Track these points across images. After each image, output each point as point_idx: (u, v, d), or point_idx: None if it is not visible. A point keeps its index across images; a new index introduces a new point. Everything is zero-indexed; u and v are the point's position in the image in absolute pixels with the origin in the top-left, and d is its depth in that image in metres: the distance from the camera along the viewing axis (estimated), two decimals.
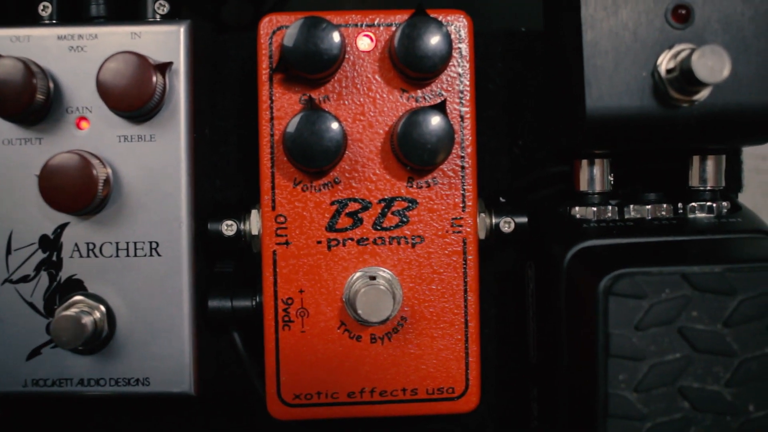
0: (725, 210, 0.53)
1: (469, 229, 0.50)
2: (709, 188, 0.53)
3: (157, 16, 0.53)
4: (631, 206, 0.52)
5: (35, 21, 0.53)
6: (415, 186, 0.49)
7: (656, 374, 0.45)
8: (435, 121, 0.47)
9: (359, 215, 0.49)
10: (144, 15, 0.53)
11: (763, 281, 0.46)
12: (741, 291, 0.45)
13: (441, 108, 0.48)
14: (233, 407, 0.59)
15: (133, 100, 0.47)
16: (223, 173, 0.58)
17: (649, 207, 0.52)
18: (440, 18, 0.49)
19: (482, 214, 0.51)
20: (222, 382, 0.58)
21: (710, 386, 0.46)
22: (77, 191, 0.47)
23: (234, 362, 0.57)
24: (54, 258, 0.50)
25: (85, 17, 0.53)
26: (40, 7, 0.53)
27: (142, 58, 0.47)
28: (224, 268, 0.54)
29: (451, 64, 0.49)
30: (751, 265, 0.46)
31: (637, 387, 0.45)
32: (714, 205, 0.53)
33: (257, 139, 0.53)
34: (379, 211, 0.49)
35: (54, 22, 0.52)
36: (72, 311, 0.47)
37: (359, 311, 0.47)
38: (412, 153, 0.47)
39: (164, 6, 0.53)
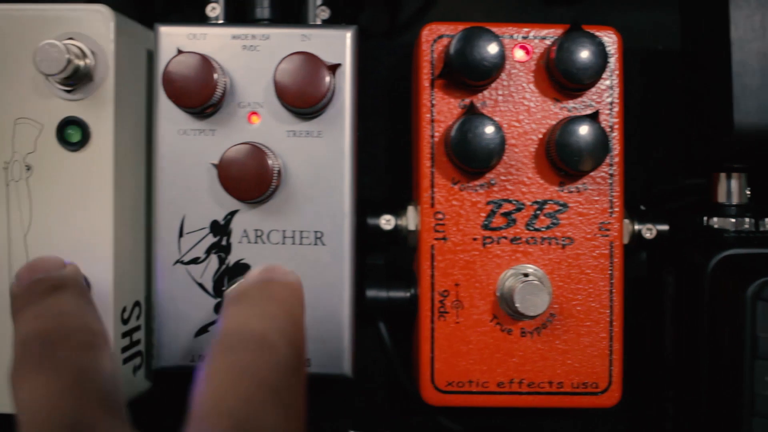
0: None
1: (615, 234, 0.52)
2: None
3: (318, 20, 0.56)
4: (766, 220, 0.55)
5: (202, 20, 0.56)
6: (566, 190, 0.52)
7: None
8: (591, 129, 0.50)
9: (513, 216, 0.52)
10: (305, 19, 0.56)
11: None
12: None
13: (595, 118, 0.50)
14: (381, 391, 0.61)
15: (309, 97, 0.50)
16: (372, 172, 0.61)
17: None
18: (594, 33, 0.52)
19: (626, 220, 0.53)
20: (369, 368, 0.61)
21: None
22: (255, 180, 0.50)
23: (376, 349, 0.60)
24: (224, 243, 0.52)
25: (250, 19, 0.56)
26: (209, 8, 0.56)
27: (317, 59, 0.50)
28: (376, 260, 0.57)
29: (602, 77, 0.52)
30: None
31: None
32: None
33: (406, 140, 0.56)
34: (532, 212, 0.52)
35: (221, 22, 0.55)
36: None
37: (517, 305, 0.49)
38: (569, 159, 0.50)
39: (326, 11, 0.56)
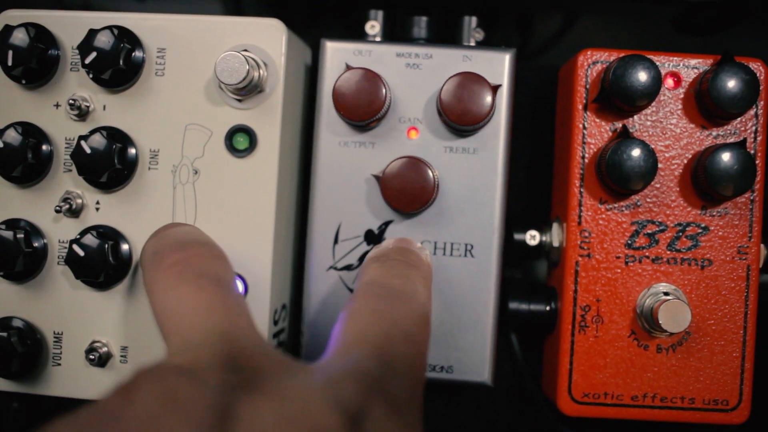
0: None
1: (753, 257, 0.55)
2: None
3: (472, 42, 0.58)
4: None
5: (361, 37, 0.58)
6: (708, 214, 0.54)
7: None
8: (741, 157, 0.52)
9: (656, 236, 0.55)
10: (460, 40, 0.58)
11: None
12: None
13: (743, 146, 0.53)
14: (514, 400, 0.64)
15: (472, 116, 0.52)
16: (514, 188, 0.63)
17: None
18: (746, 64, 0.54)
19: (762, 245, 0.56)
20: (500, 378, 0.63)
21: None
22: (416, 193, 0.53)
23: (509, 360, 0.63)
24: None
25: (407, 38, 0.59)
26: (368, 25, 0.58)
27: (482, 80, 0.53)
28: (514, 274, 0.59)
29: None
30: None
31: None
32: None
33: (548, 158, 0.58)
34: (674, 234, 0.54)
35: (378, 40, 0.58)
36: None
37: (660, 321, 0.52)
38: (717, 184, 0.52)
39: (480, 33, 0.58)
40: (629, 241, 0.55)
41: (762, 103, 0.55)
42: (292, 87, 0.55)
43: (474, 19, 0.58)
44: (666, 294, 0.53)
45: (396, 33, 0.59)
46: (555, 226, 0.56)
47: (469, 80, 0.53)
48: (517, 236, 0.56)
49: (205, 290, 0.41)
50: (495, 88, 0.54)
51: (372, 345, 0.38)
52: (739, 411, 0.55)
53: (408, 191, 0.53)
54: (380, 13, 0.58)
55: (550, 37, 0.68)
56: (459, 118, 0.52)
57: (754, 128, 0.55)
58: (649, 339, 0.55)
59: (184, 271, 0.42)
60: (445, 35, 0.59)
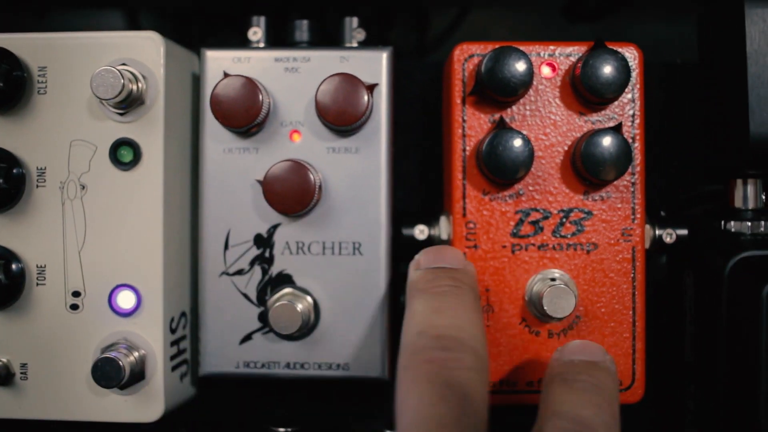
0: None
1: (637, 239, 0.55)
2: None
3: (354, 42, 0.59)
4: None
5: (244, 44, 0.59)
6: (590, 198, 0.55)
7: None
8: (615, 141, 0.53)
9: (540, 223, 0.55)
10: (342, 41, 0.59)
11: None
12: None
13: (618, 130, 0.53)
14: None
15: (348, 116, 0.53)
16: (405, 184, 0.64)
17: None
18: (617, 50, 0.55)
19: (647, 226, 0.56)
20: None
21: None
22: (298, 195, 0.53)
23: None
24: (267, 254, 0.56)
25: (290, 42, 0.59)
26: (251, 32, 0.59)
27: (356, 80, 0.53)
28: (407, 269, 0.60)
29: (624, 91, 0.55)
30: None
31: None
32: None
33: (438, 153, 0.59)
34: (558, 220, 0.55)
35: (262, 45, 0.59)
36: (287, 300, 0.53)
37: (545, 308, 0.52)
38: (594, 169, 0.53)
39: (361, 33, 0.59)
40: (515, 230, 0.55)
41: (638, 87, 0.55)
42: (176, 98, 0.56)
43: (355, 20, 0.59)
44: (553, 280, 0.54)
45: (279, 38, 0.60)
46: (443, 220, 0.57)
47: (343, 81, 0.53)
48: (406, 231, 0.57)
49: (447, 402, 0.38)
50: (371, 87, 0.54)
51: None
52: (633, 390, 0.56)
53: (289, 194, 0.53)
54: (262, 19, 0.59)
55: (442, 33, 0.69)
56: (336, 119, 0.53)
57: (631, 112, 0.55)
58: (540, 325, 0.55)
59: (437, 374, 0.40)
60: (329, 38, 0.60)
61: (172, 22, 0.70)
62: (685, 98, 0.65)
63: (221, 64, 0.56)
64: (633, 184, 0.55)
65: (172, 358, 0.56)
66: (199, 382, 0.60)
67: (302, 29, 0.59)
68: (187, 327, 0.58)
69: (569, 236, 0.55)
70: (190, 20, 0.68)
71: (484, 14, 0.71)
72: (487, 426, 0.38)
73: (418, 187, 0.64)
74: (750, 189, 0.58)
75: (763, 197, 0.58)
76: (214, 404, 0.64)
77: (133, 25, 0.72)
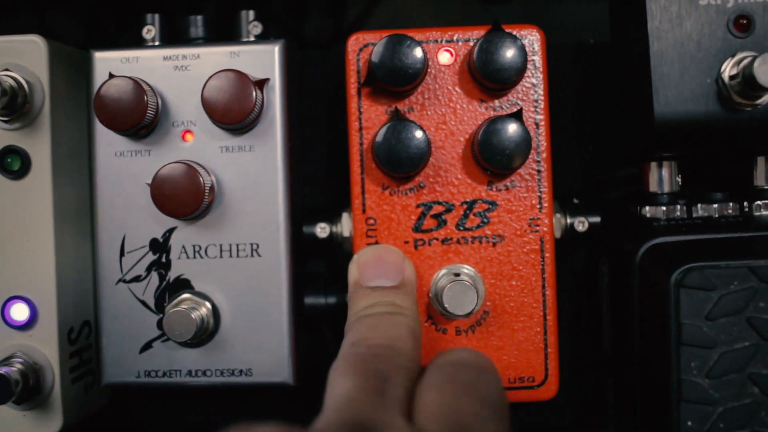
0: None
1: (545, 229, 0.53)
2: None
3: (251, 36, 0.57)
4: (699, 205, 0.55)
5: (139, 43, 0.57)
6: (494, 189, 0.53)
7: (726, 361, 0.48)
8: (513, 128, 0.51)
9: (443, 217, 0.53)
10: (239, 36, 0.57)
11: None
12: None
13: (518, 116, 0.51)
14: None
15: (236, 114, 0.51)
16: (313, 180, 0.62)
17: (715, 206, 0.55)
18: (515, 33, 0.53)
19: (557, 215, 0.54)
20: (316, 374, 0.62)
21: None
22: (186, 197, 0.51)
23: (325, 355, 0.61)
24: (163, 259, 0.54)
25: (185, 39, 0.58)
26: (144, 30, 0.57)
27: (242, 75, 0.51)
28: (317, 268, 0.58)
29: (526, 75, 0.53)
30: None
31: (708, 373, 0.48)
32: None
33: (345, 147, 0.57)
34: (462, 212, 0.53)
35: (156, 44, 0.57)
36: (182, 307, 0.52)
37: (446, 305, 0.50)
38: (492, 158, 0.51)
39: (258, 27, 0.57)
40: (417, 225, 0.53)
41: (541, 70, 0.53)
42: (66, 102, 0.54)
43: (251, 13, 0.57)
44: (457, 275, 0.52)
45: (176, 36, 0.58)
46: (345, 216, 0.55)
47: (229, 77, 0.51)
48: (307, 229, 0.55)
49: (366, 381, 0.39)
50: (260, 83, 0.52)
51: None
52: (546, 386, 0.53)
53: (178, 196, 0.51)
54: (156, 17, 0.57)
55: (352, 23, 0.67)
56: (223, 117, 0.51)
57: (534, 97, 0.53)
58: (447, 322, 0.53)
59: (363, 363, 0.41)
60: (225, 33, 0.58)
61: (84, 24, 0.68)
62: (600, 80, 0.63)
63: (109, 65, 0.54)
64: (539, 172, 0.53)
65: (73, 369, 0.54)
66: (111, 393, 0.59)
67: (197, 25, 0.57)
68: (91, 337, 0.57)
69: (474, 229, 0.53)
70: (101, 20, 0.66)
71: (408, 0, 0.69)
72: (404, 414, 0.38)
73: (325, 184, 0.62)
74: (665, 172, 0.56)
75: (679, 180, 0.56)
76: (128, 413, 0.62)
77: (42, 30, 0.70)
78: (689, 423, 0.49)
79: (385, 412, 0.37)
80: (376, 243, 0.53)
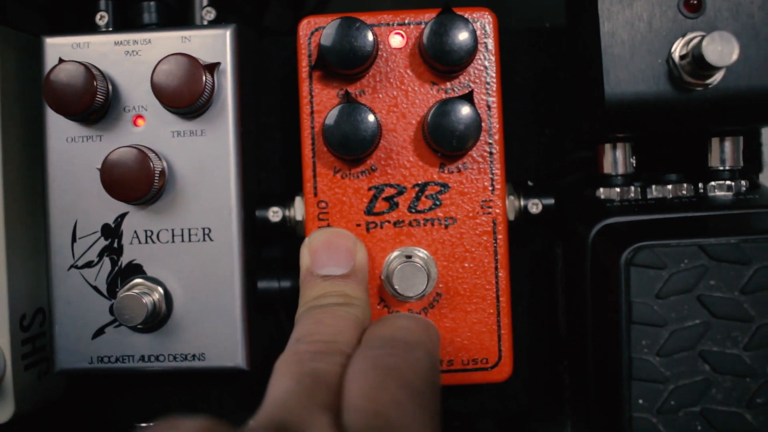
0: (744, 188, 0.56)
1: (498, 211, 0.53)
2: (727, 168, 0.56)
3: (205, 21, 0.57)
4: (653, 187, 0.55)
5: (93, 29, 0.57)
6: (446, 171, 0.53)
7: (677, 339, 0.48)
8: (463, 110, 0.50)
9: (395, 199, 0.53)
10: (192, 21, 0.57)
11: None
12: (756, 260, 0.48)
13: (468, 98, 0.51)
14: None
15: (185, 98, 0.51)
16: (269, 166, 0.62)
17: (670, 187, 0.55)
18: (466, 15, 0.53)
19: (511, 197, 0.54)
20: (271, 358, 0.62)
21: (729, 350, 0.49)
22: (136, 182, 0.51)
23: (281, 339, 0.61)
24: (115, 245, 0.54)
25: (139, 24, 0.57)
26: (98, 16, 0.57)
27: (192, 59, 0.51)
28: (272, 253, 0.58)
29: (477, 57, 0.53)
30: (765, 236, 0.49)
31: (659, 351, 0.48)
32: (732, 183, 0.55)
33: (299, 132, 0.57)
34: (414, 195, 0.53)
35: (110, 30, 0.57)
36: (133, 292, 0.51)
37: (396, 287, 0.50)
38: (443, 140, 0.51)
39: (211, 12, 0.57)
40: (368, 207, 0.53)
41: (492, 52, 0.53)
42: (16, 88, 0.54)
43: None
44: (409, 257, 0.52)
45: (129, 22, 0.58)
46: (297, 200, 0.55)
47: (178, 61, 0.51)
48: (260, 214, 0.55)
49: (299, 383, 0.40)
50: (211, 67, 0.52)
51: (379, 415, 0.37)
52: (500, 368, 0.53)
53: (128, 181, 0.51)
54: (110, 3, 0.57)
55: (312, 9, 0.67)
56: (172, 101, 0.51)
57: (486, 79, 0.53)
58: (399, 305, 0.53)
59: (299, 363, 0.41)
60: (178, 18, 0.58)
61: (43, 12, 0.68)
62: (556, 64, 0.62)
63: (60, 51, 0.54)
64: (491, 154, 0.53)
65: (26, 356, 0.54)
66: (69, 380, 0.58)
67: (150, 11, 0.57)
68: (45, 324, 0.56)
69: (426, 211, 0.53)
70: (60, 9, 0.66)
71: None
72: (333, 414, 0.37)
73: (282, 170, 0.62)
74: (619, 153, 0.56)
75: (633, 161, 0.56)
76: (85, 402, 0.62)
77: (3, 16, 0.70)
78: (640, 401, 0.49)
79: (311, 415, 0.37)
80: (328, 226, 0.53)
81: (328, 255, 0.49)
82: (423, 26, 0.53)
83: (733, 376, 0.49)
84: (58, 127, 0.54)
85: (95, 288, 0.54)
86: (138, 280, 0.53)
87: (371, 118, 0.51)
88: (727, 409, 0.49)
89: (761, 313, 0.48)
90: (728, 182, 0.55)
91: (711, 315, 0.48)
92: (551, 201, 0.55)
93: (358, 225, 0.53)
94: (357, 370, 0.40)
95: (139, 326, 0.52)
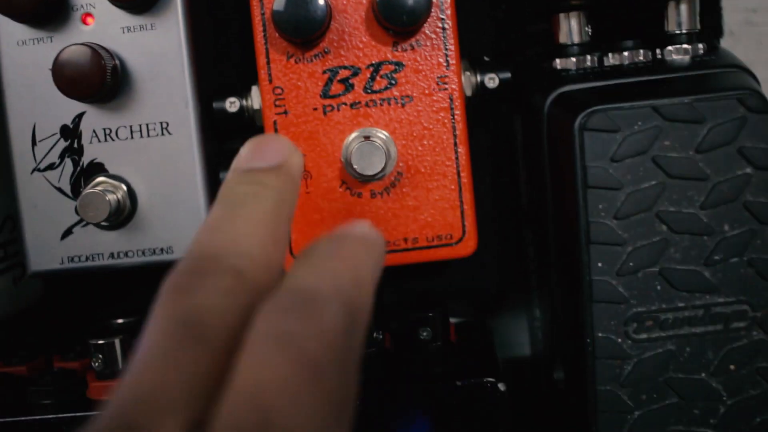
0: (701, 51, 0.55)
1: (454, 86, 0.53)
2: (684, 32, 0.56)
3: None
4: (610, 55, 0.55)
5: None
6: (399, 49, 0.53)
7: (634, 201, 0.49)
8: None
9: (350, 81, 0.53)
10: None
11: (730, 108, 0.49)
12: (710, 119, 0.49)
13: None
14: None
15: None
16: (228, 59, 0.62)
17: (626, 54, 0.55)
18: None
19: (467, 73, 0.54)
20: None
21: (686, 209, 0.49)
22: (88, 79, 0.51)
23: None
24: (75, 145, 0.54)
25: None
26: None
27: None
28: (234, 145, 0.58)
29: None
30: (718, 95, 0.49)
31: (616, 214, 0.49)
32: (690, 47, 0.55)
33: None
34: (369, 75, 0.53)
35: None
36: (96, 189, 0.52)
37: (355, 166, 0.51)
38: (393, 17, 0.50)
39: None
40: (324, 90, 0.53)
41: None
42: None
43: None
44: (367, 137, 0.52)
45: None
46: (254, 89, 0.54)
47: None
48: (217, 105, 0.55)
49: (171, 339, 0.30)
50: None
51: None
52: (464, 243, 0.54)
53: (80, 78, 0.51)
54: None
55: None
56: None
57: None
58: (361, 186, 0.53)
59: (173, 307, 0.31)
60: None
61: None
62: None
63: None
64: (444, 29, 0.53)
65: None
66: (44, 282, 0.59)
67: None
68: (15, 230, 0.57)
69: (382, 91, 0.53)
70: None
71: None
72: (225, 355, 0.30)
73: (241, 61, 0.62)
74: (573, 22, 0.56)
75: (588, 30, 0.56)
76: (63, 305, 0.63)
77: None
78: (600, 264, 0.49)
79: (164, 415, 0.28)
80: (285, 113, 0.53)
81: (254, 153, 0.39)
82: None
83: (691, 235, 0.49)
84: (8, 32, 0.54)
85: (59, 189, 0.54)
86: (101, 179, 0.53)
87: None
88: (685, 267, 0.50)
89: (716, 171, 0.49)
90: (685, 46, 0.55)
91: (666, 175, 0.49)
92: (508, 75, 0.55)
93: (315, 109, 0.53)
94: (249, 339, 0.30)
95: (104, 223, 0.52)
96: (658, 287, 0.50)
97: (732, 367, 0.51)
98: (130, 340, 0.56)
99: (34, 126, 0.54)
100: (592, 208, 0.49)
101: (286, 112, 0.53)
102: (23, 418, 0.54)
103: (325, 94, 0.53)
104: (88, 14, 0.53)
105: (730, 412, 0.51)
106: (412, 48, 0.53)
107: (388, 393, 0.55)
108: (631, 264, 0.49)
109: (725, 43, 0.65)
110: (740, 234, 0.50)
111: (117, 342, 0.56)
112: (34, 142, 0.54)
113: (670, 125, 0.49)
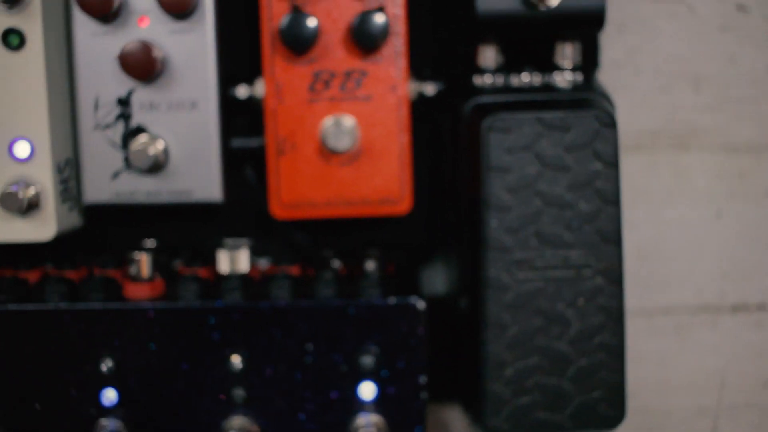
0: (578, 80, 0.78)
1: (402, 92, 0.75)
2: (568, 65, 0.78)
3: None
4: (514, 76, 0.77)
5: None
6: (366, 62, 0.74)
7: (520, 181, 0.71)
8: (376, 18, 0.71)
9: (330, 82, 0.74)
10: None
11: (589, 122, 0.71)
12: (575, 128, 0.71)
13: (381, 9, 0.72)
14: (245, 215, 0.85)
15: (179, 6, 0.71)
16: (241, 58, 0.82)
17: (525, 77, 0.77)
18: None
19: (412, 82, 0.76)
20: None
21: (555, 190, 0.72)
22: (144, 65, 0.71)
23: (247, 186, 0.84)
24: (127, 112, 0.74)
25: None
26: None
27: None
28: (244, 121, 0.79)
29: None
30: (582, 112, 0.72)
31: (508, 189, 0.71)
32: (570, 76, 0.78)
33: (260, 32, 0.77)
34: (343, 78, 0.74)
35: None
36: (142, 144, 0.72)
37: (329, 142, 0.72)
38: (362, 40, 0.71)
39: None
40: (311, 86, 0.74)
41: None
42: None
43: None
44: (339, 122, 0.74)
45: None
46: (260, 81, 0.76)
47: None
48: (231, 90, 0.76)
49: None
50: None
51: None
52: (402, 204, 0.76)
53: (138, 64, 0.71)
54: None
55: None
56: (168, 8, 0.71)
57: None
58: (333, 157, 0.75)
59: None
60: None
61: None
62: None
63: None
64: (397, 50, 0.75)
65: (61, 193, 0.75)
66: (86, 213, 0.80)
67: None
68: (72, 170, 0.77)
69: (352, 90, 0.75)
70: None
71: None
72: None
73: (249, 59, 0.82)
74: (490, 52, 0.77)
75: (500, 57, 0.78)
76: (100, 234, 0.84)
77: None
78: (494, 224, 0.72)
79: None
80: (281, 101, 0.75)
81: None
82: None
83: (557, 208, 0.71)
84: (83, 25, 0.73)
85: (113, 142, 0.75)
86: (144, 137, 0.74)
87: (313, 23, 0.71)
88: (552, 230, 0.72)
89: (577, 164, 0.71)
90: (566, 75, 0.77)
91: (543, 165, 0.71)
92: (442, 86, 0.77)
93: (303, 99, 0.75)
94: None
95: (145, 171, 0.73)
96: (534, 242, 0.72)
97: (581, 300, 0.73)
98: (156, 255, 0.77)
99: (97, 97, 0.75)
100: (491, 184, 0.71)
101: (282, 101, 0.75)
102: (77, 305, 0.73)
103: (311, 89, 0.75)
104: (144, 17, 0.74)
105: (578, 333, 0.73)
106: (375, 62, 0.75)
107: (340, 307, 0.75)
108: (515, 225, 0.72)
109: (609, 71, 0.88)
110: (591, 210, 0.72)
111: (147, 255, 0.76)
112: (96, 108, 0.75)
113: (548, 130, 0.71)
